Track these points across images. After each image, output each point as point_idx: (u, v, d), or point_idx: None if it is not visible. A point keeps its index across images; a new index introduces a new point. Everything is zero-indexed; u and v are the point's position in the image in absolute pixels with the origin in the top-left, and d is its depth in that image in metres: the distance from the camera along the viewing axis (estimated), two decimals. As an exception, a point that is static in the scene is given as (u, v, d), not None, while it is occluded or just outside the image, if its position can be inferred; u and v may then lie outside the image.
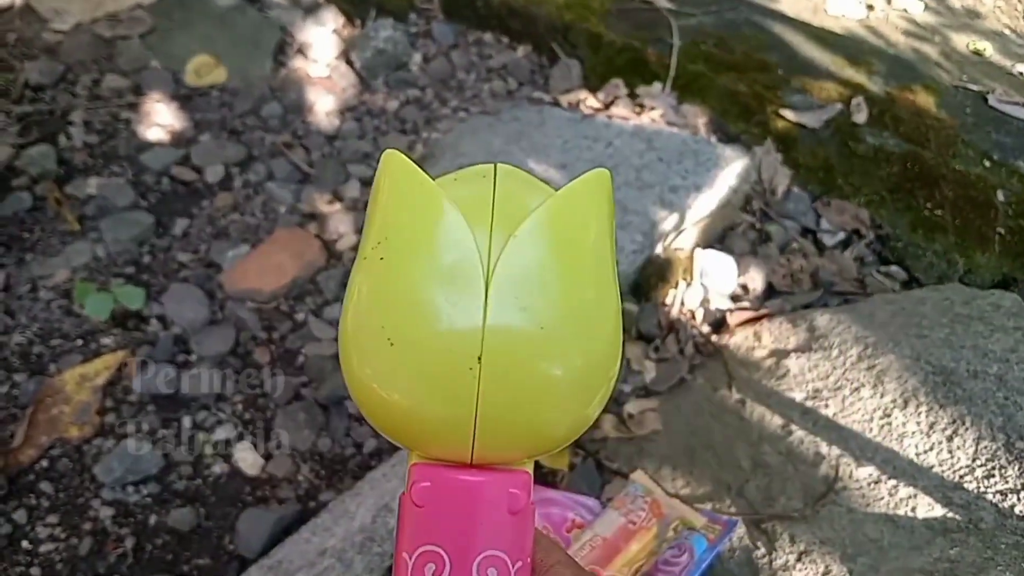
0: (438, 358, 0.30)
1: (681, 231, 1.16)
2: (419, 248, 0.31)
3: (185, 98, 1.43)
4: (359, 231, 1.22)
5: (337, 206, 1.26)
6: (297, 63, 1.49)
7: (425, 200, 0.32)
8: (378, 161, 0.34)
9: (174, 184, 1.31)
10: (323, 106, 1.43)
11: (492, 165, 0.35)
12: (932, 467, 0.82)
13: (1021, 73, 1.63)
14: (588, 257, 0.33)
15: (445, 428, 0.31)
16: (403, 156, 0.33)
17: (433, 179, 0.32)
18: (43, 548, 0.91)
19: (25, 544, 0.91)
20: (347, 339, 0.33)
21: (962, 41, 1.81)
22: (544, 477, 0.95)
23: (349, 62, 1.51)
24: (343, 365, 0.33)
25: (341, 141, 1.38)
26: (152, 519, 0.95)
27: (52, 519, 0.94)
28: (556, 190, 0.33)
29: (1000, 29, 1.91)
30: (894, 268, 1.21)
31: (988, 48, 1.76)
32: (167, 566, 0.91)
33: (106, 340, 1.09)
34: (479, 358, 0.29)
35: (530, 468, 0.34)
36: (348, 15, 1.60)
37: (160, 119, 1.39)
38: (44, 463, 0.98)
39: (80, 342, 1.09)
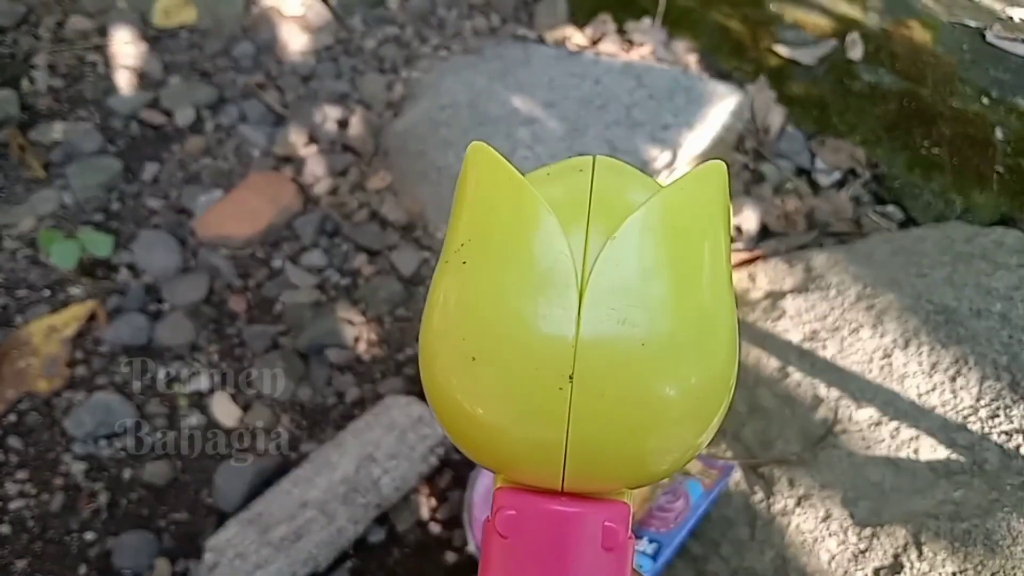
0: (524, 376, 0.26)
1: (673, 170, 1.12)
2: (506, 253, 0.27)
3: (153, 39, 1.37)
4: (336, 174, 1.17)
5: (313, 148, 1.21)
6: (270, 1, 1.42)
7: (514, 199, 0.28)
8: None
9: (143, 128, 1.25)
10: (297, 45, 1.37)
11: (591, 157, 0.31)
12: (934, 408, 0.79)
13: (1011, 17, 1.59)
14: (698, 262, 0.28)
15: (533, 451, 0.27)
16: (491, 149, 0.29)
17: (524, 174, 0.28)
18: (13, 505, 0.88)
19: (-7, 501, 0.88)
20: (427, 349, 0.29)
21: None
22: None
23: None
24: (423, 377, 0.29)
25: (317, 81, 1.32)
26: (126, 473, 0.91)
27: (22, 475, 0.90)
28: (662, 185, 0.29)
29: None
30: (890, 208, 1.17)
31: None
32: (143, 521, 0.89)
33: (74, 290, 1.05)
34: (570, 377, 0.26)
35: (630, 499, 0.30)
36: (323, -49, 1.53)
37: (128, 61, 1.33)
38: (12, 417, 0.94)
39: (47, 292, 1.05)
